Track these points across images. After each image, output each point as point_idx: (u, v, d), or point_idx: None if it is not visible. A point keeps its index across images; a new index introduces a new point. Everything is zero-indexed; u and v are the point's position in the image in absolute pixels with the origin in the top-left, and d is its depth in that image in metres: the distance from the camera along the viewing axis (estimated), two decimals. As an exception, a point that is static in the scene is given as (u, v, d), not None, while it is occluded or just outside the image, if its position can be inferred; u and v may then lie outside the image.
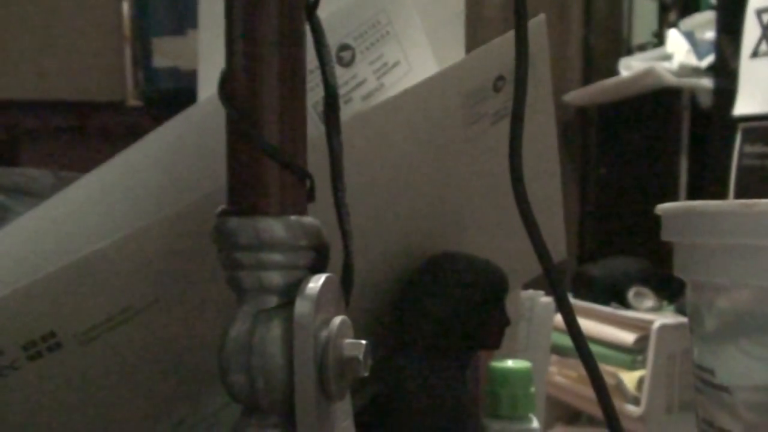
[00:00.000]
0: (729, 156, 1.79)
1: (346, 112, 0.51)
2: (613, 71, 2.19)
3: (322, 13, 0.41)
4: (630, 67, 2.06)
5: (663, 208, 0.35)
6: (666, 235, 0.35)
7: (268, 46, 0.35)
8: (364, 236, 0.49)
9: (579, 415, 1.72)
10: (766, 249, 0.29)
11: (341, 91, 0.50)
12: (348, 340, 0.35)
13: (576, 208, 2.44)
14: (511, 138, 0.33)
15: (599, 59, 2.43)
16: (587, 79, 2.39)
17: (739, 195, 1.77)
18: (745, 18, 1.77)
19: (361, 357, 0.34)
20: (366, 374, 0.35)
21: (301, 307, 0.33)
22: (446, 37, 0.60)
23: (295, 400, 0.33)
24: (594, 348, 1.88)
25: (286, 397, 0.33)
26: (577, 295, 1.67)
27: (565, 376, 1.58)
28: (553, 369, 1.61)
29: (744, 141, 1.77)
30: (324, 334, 0.34)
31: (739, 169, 1.78)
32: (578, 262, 2.25)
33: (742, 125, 1.77)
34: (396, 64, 0.52)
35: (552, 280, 0.34)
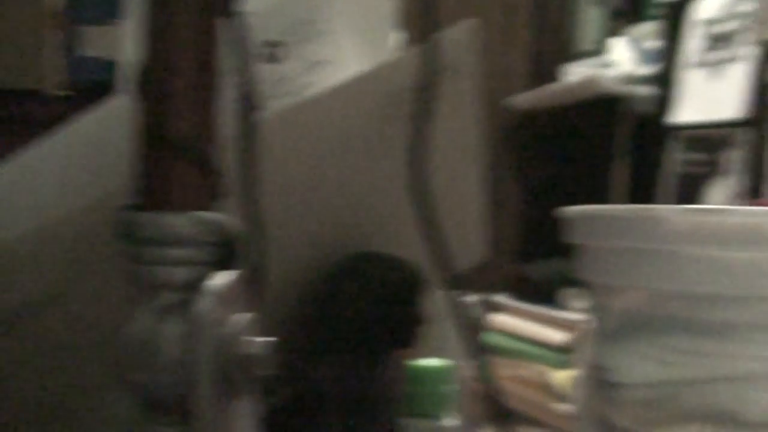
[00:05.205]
0: (667, 162, 1.83)
1: (273, 109, 0.51)
2: (559, 76, 2.22)
3: (253, 8, 0.41)
4: (574, 73, 2.10)
5: (566, 211, 0.36)
6: (569, 238, 0.36)
7: (181, 39, 0.35)
8: (282, 234, 0.49)
9: (511, 414, 1.74)
10: (657, 252, 0.30)
11: (270, 87, 0.50)
12: (251, 338, 0.35)
13: (518, 210, 2.47)
14: (412, 144, 0.33)
15: (545, 64, 2.46)
16: (533, 84, 2.42)
17: (675, 200, 1.81)
18: (687, 28, 1.82)
19: (264, 354, 0.34)
20: (270, 372, 0.35)
21: (202, 303, 0.33)
22: (377, 37, 0.60)
23: (194, 398, 0.33)
24: (526, 347, 1.89)
25: (186, 395, 0.33)
26: (514, 296, 1.69)
27: (497, 376, 1.60)
28: (487, 368, 1.63)
29: (681, 148, 1.82)
30: (226, 331, 0.34)
31: (677, 175, 1.82)
32: (519, 264, 2.27)
33: (679, 133, 1.82)
34: (326, 62, 0.52)
35: (445, 279, 0.34)
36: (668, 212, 0.30)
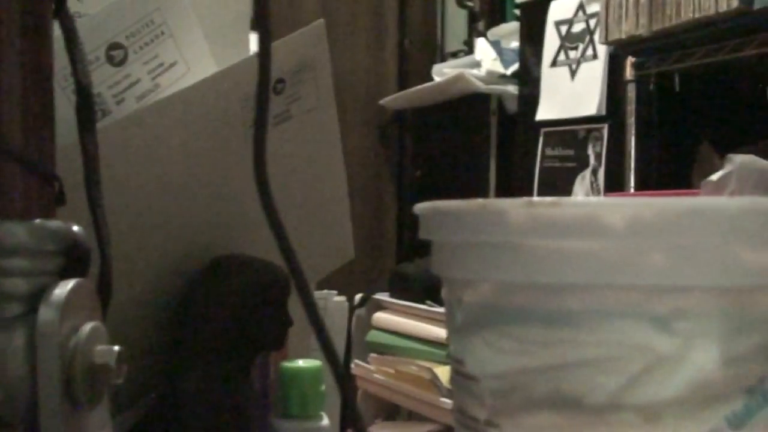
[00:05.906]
0: (533, 158, 1.91)
1: (119, 113, 0.49)
2: (429, 77, 2.27)
3: (92, 9, 0.39)
4: (442, 73, 2.14)
5: (418, 207, 0.36)
6: (422, 234, 0.36)
7: (8, 41, 0.33)
8: (141, 240, 0.48)
9: (398, 410, 1.76)
10: (500, 245, 0.31)
11: (113, 91, 0.49)
12: (99, 347, 0.33)
13: (394, 208, 2.51)
14: (255, 146, 0.33)
15: (414, 65, 2.50)
16: (403, 84, 2.46)
17: (541, 193, 1.88)
18: (545, 29, 1.89)
19: (112, 364, 0.33)
20: (120, 381, 0.34)
21: (45, 314, 0.32)
22: (231, 39, 0.59)
23: (39, 413, 0.31)
24: (410, 344, 1.89)
25: (30, 410, 0.32)
26: (394, 294, 1.71)
27: (383, 374, 1.61)
28: (371, 367, 1.64)
29: (545, 144, 1.89)
30: (72, 342, 0.32)
31: (541, 170, 1.90)
32: (397, 262, 2.31)
33: (543, 129, 1.89)
34: (173, 64, 0.51)
35: (298, 283, 0.34)
36: (508, 205, 0.31)
